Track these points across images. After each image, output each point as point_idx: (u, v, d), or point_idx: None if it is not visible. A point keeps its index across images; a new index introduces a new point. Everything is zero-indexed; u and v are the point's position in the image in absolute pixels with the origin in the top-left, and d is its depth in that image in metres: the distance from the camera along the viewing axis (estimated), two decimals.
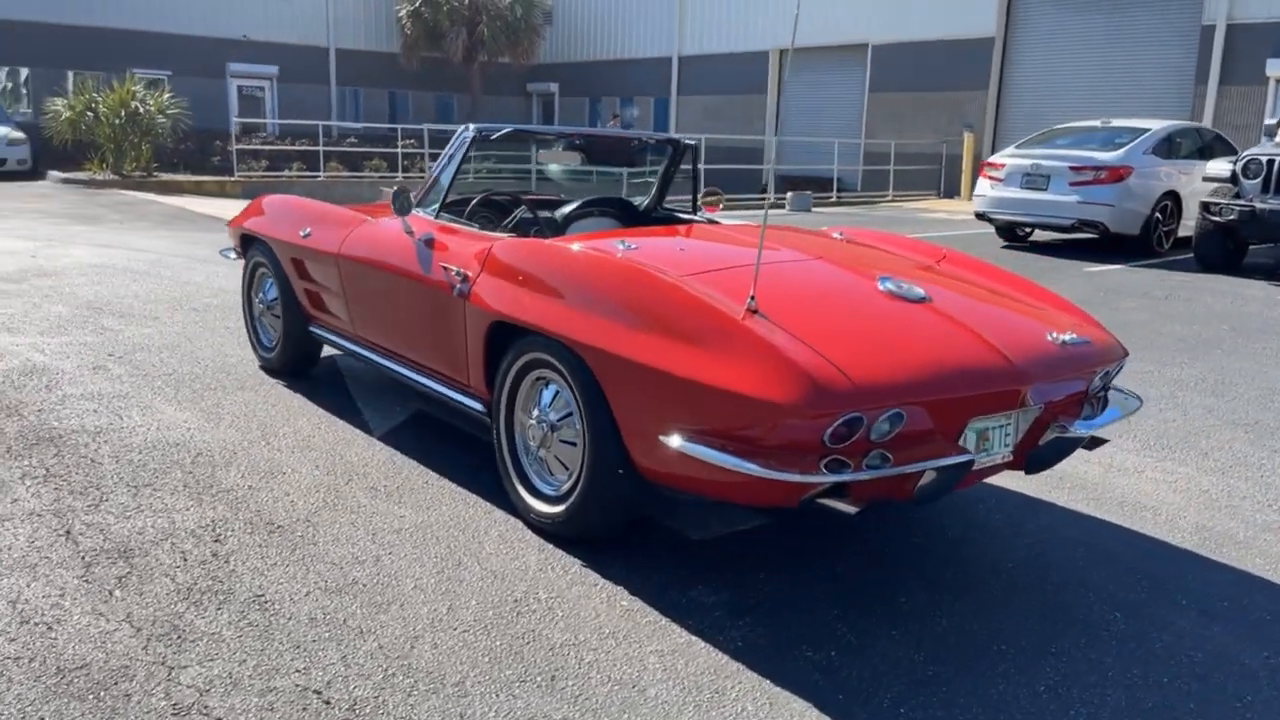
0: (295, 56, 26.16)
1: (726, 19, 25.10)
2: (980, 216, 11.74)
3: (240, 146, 18.77)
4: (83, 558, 2.81)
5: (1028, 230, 12.07)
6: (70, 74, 22.33)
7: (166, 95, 18.21)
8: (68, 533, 2.97)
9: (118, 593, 2.62)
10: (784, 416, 2.36)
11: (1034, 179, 10.96)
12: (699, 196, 4.75)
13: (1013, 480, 3.75)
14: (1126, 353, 3.16)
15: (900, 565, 3.02)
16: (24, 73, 22.96)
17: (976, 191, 11.78)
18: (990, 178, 11.46)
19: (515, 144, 4.41)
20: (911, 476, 2.56)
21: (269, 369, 4.88)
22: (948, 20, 20.59)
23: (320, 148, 19.20)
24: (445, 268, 3.45)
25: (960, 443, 2.66)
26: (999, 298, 3.24)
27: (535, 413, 3.09)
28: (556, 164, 4.46)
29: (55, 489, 3.29)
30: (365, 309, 4.05)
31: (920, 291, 2.96)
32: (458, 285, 3.35)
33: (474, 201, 4.10)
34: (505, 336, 3.17)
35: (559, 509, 2.99)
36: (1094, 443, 3.17)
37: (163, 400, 4.35)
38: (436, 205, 3.85)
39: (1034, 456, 2.91)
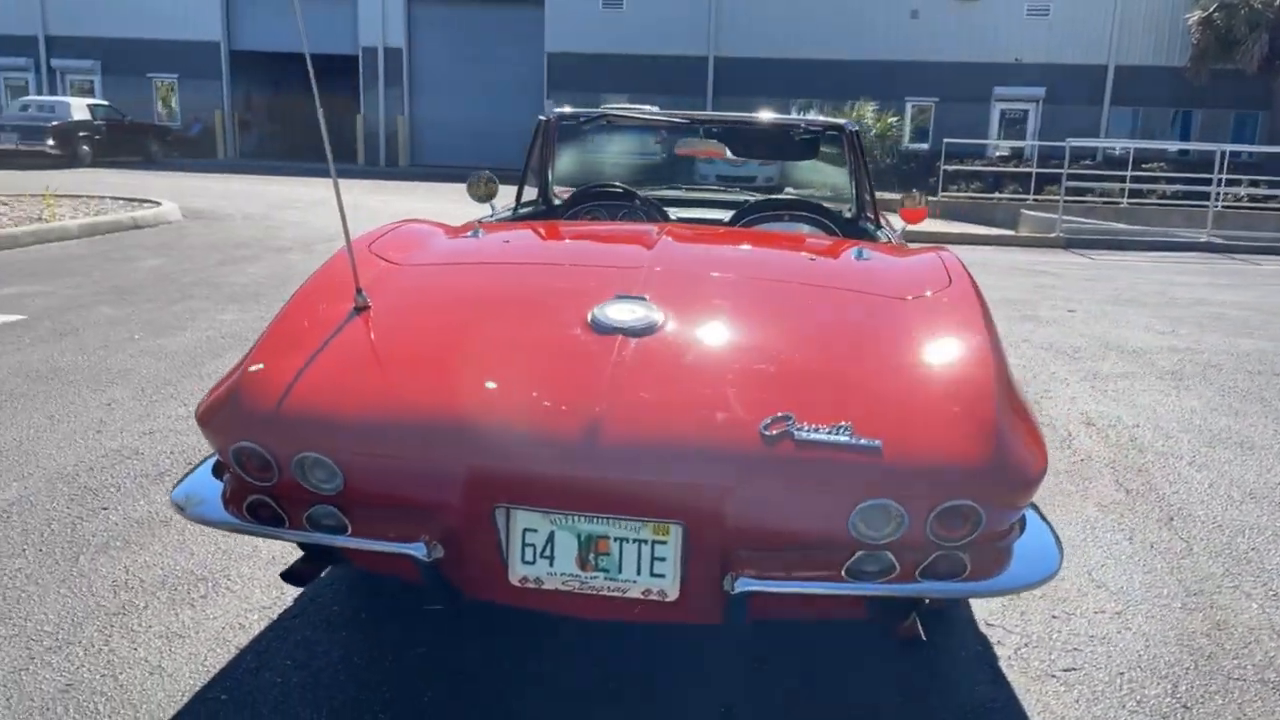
0: (1066, 76, 25.03)
1: None
2: None
3: (951, 167, 18.90)
4: None
5: None
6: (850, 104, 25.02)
7: (890, 118, 19.28)
8: None
9: None
10: (202, 427, 1.94)
11: None
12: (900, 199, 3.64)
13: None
14: (1008, 482, 1.70)
15: None
16: (798, 103, 26.27)
17: None
18: None
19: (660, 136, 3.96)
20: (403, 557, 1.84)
21: None
22: None
23: (1034, 169, 18.26)
24: None
25: (528, 541, 1.81)
26: (799, 356, 1.99)
27: None
28: (698, 156, 3.87)
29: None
30: None
31: (633, 325, 1.99)
32: None
33: (566, 197, 3.84)
34: None
35: None
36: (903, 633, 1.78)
37: None
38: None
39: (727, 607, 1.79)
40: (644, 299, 2.10)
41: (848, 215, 3.86)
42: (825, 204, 3.82)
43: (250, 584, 2.62)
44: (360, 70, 26.92)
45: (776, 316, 2.17)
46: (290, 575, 1.95)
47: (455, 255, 2.53)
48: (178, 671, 2.20)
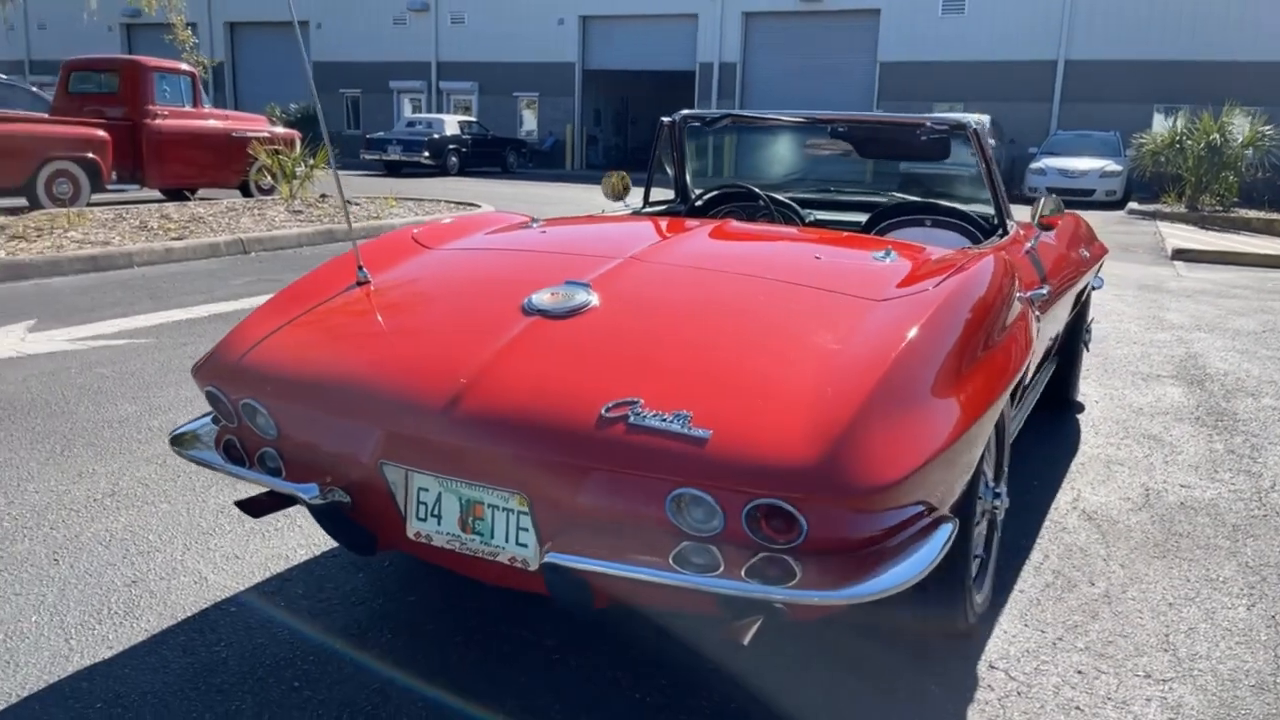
0: None
1: None
2: None
3: None
4: None
5: None
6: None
7: (1262, 125, 16.75)
8: None
9: None
10: (193, 376, 2.28)
11: None
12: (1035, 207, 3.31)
13: None
14: (831, 487, 1.61)
15: None
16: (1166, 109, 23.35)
17: None
18: None
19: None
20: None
21: None
22: None
23: None
24: None
25: (421, 499, 1.99)
26: (691, 346, 1.96)
27: None
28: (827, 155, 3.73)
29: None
30: None
31: (555, 308, 2.09)
32: None
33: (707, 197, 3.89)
34: None
35: None
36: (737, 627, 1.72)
37: None
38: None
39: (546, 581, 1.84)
40: (586, 285, 2.19)
41: (993, 221, 3.56)
42: (962, 206, 3.57)
43: (317, 525, 2.99)
44: (696, 85, 28.06)
45: (702, 309, 2.16)
46: (246, 505, 2.25)
47: (479, 243, 2.74)
48: (217, 584, 2.61)
